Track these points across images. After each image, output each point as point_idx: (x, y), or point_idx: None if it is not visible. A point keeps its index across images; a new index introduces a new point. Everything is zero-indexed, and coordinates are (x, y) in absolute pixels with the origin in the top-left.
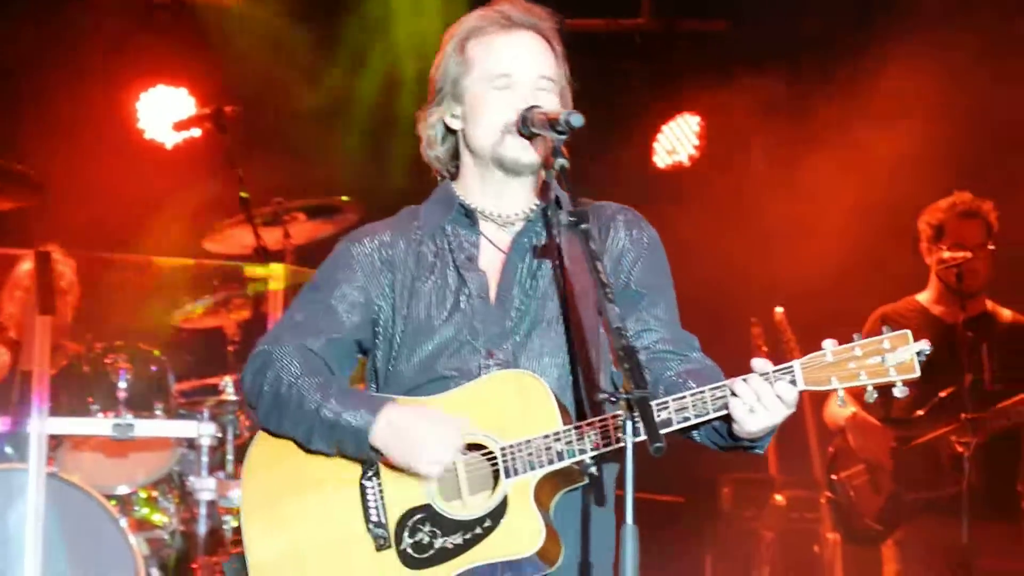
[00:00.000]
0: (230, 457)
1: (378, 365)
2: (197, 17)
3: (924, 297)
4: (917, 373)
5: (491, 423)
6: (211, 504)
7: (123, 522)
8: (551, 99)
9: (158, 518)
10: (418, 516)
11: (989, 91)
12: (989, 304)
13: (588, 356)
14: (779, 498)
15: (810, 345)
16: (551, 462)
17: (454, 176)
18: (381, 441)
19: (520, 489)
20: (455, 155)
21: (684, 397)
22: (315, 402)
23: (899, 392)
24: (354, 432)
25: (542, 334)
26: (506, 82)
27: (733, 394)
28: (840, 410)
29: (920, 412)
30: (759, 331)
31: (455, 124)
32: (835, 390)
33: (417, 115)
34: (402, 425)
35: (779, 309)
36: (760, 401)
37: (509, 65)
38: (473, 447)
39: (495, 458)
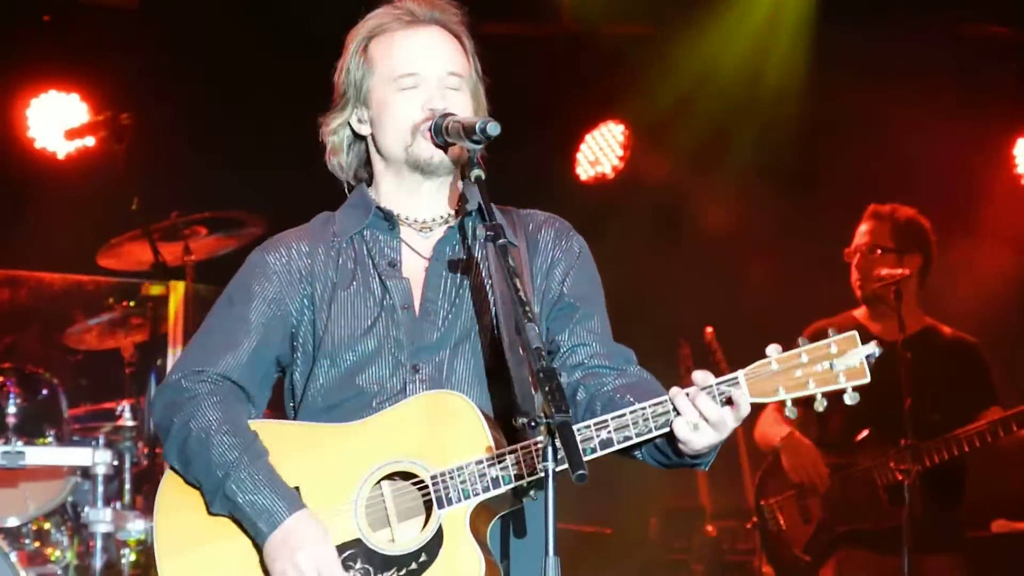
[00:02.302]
0: (128, 487)
1: (295, 381)
2: (91, 20)
3: (860, 313)
4: (867, 379)
5: (420, 448)
6: (107, 537)
7: (13, 556)
8: (462, 99)
9: (51, 551)
10: (348, 552)
11: None
12: (928, 320)
13: (522, 366)
14: (710, 529)
15: (742, 364)
16: (487, 489)
17: (368, 182)
18: (271, 546)
19: (455, 519)
20: (366, 162)
21: (624, 415)
22: (222, 469)
23: (849, 399)
24: (252, 524)
25: (471, 346)
26: (412, 81)
27: (676, 411)
28: (774, 430)
29: (859, 437)
30: (688, 351)
31: (363, 129)
32: (783, 401)
33: (320, 121)
34: (297, 556)
35: (709, 328)
36: (704, 418)
37: (413, 63)
38: (402, 475)
39: (426, 487)
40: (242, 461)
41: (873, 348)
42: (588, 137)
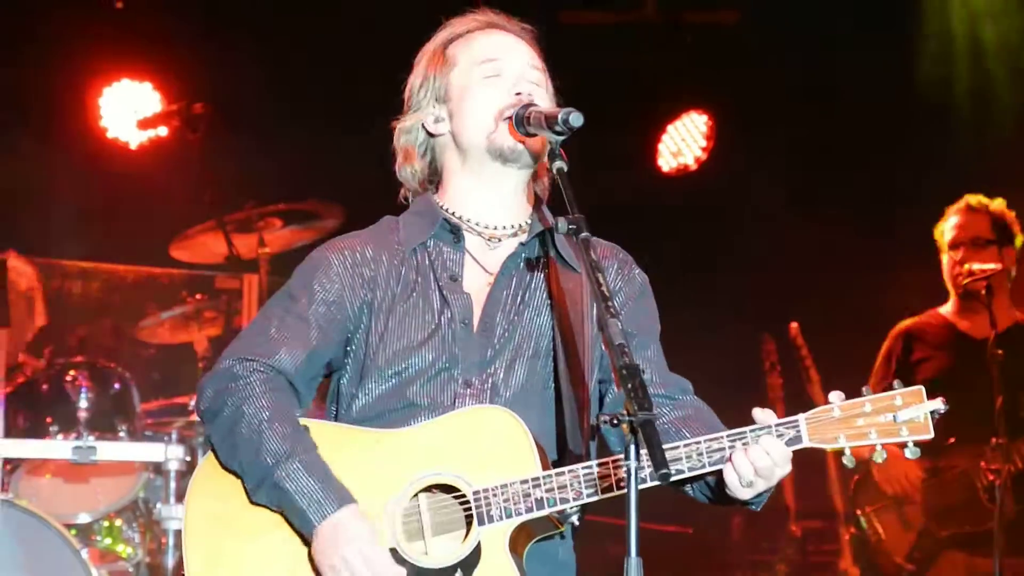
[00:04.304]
0: None
1: (343, 386)
2: (165, 6)
3: (948, 310)
4: (930, 434)
5: (464, 463)
6: (179, 534)
7: (84, 553)
8: (542, 93)
9: (122, 549)
10: None
11: None
12: (1020, 315)
13: (576, 391)
14: (795, 529)
15: (827, 362)
16: (530, 510)
17: (436, 190)
18: (320, 538)
19: (494, 537)
20: (434, 170)
21: (677, 447)
22: (273, 457)
23: (910, 453)
24: (300, 513)
25: (525, 366)
26: (495, 68)
27: (730, 461)
28: None
29: (952, 439)
30: (772, 347)
31: (439, 128)
32: (842, 449)
33: (392, 126)
34: (346, 550)
35: (794, 324)
36: (759, 475)
37: (496, 51)
38: (443, 488)
39: (467, 501)
40: (295, 450)
41: (939, 404)
42: (670, 127)
